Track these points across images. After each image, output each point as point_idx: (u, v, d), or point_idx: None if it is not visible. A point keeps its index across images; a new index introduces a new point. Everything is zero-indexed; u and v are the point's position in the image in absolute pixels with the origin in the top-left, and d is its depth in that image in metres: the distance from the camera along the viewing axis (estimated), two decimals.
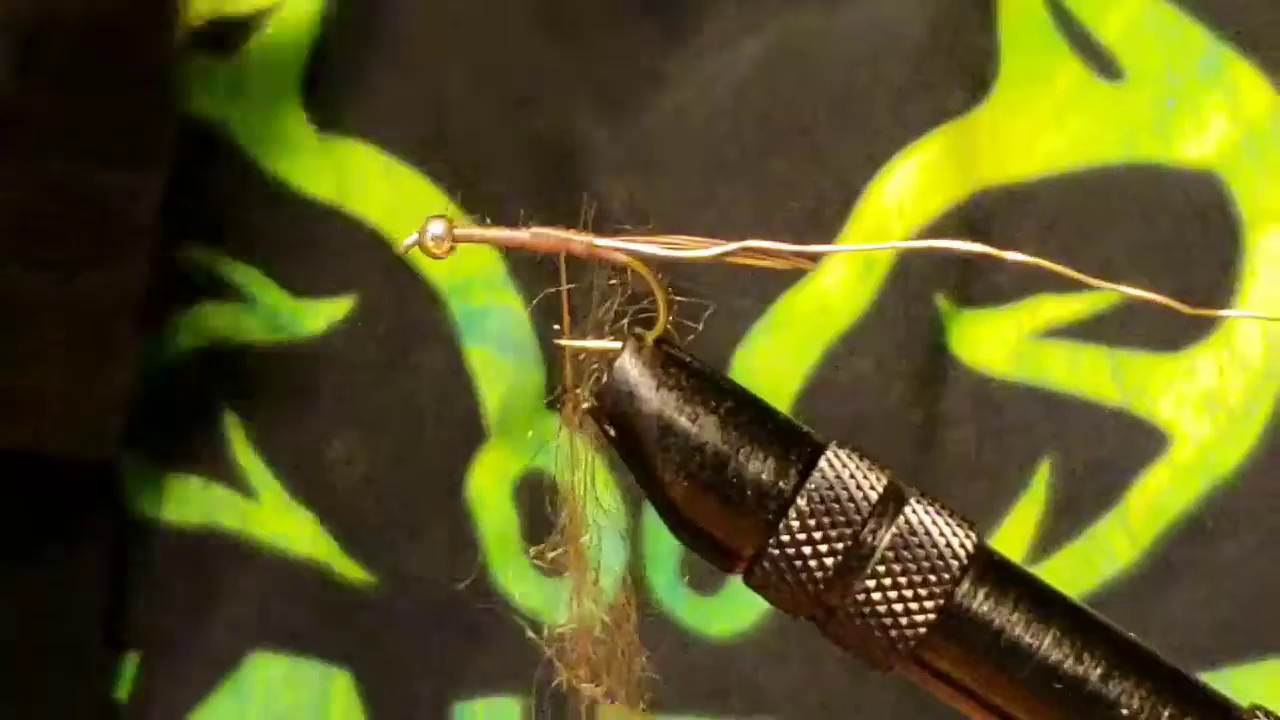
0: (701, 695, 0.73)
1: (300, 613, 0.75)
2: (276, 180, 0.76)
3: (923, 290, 0.74)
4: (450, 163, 0.75)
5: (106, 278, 0.71)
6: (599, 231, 0.41)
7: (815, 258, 0.40)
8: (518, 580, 0.74)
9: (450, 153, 0.75)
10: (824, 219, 0.74)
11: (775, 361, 0.74)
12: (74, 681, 0.74)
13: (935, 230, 0.73)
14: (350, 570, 0.75)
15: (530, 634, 0.44)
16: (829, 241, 0.73)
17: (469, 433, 0.75)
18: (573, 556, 0.42)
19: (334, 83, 0.76)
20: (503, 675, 0.75)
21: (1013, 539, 0.73)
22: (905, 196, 0.74)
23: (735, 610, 0.73)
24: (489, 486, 0.75)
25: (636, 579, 0.74)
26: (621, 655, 0.43)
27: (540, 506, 0.75)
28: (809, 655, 0.72)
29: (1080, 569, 0.73)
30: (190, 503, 0.75)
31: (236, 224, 0.76)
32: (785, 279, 0.73)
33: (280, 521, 0.75)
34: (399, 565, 0.75)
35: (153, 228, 0.72)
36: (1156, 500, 0.73)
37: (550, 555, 0.42)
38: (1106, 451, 0.74)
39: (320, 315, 0.75)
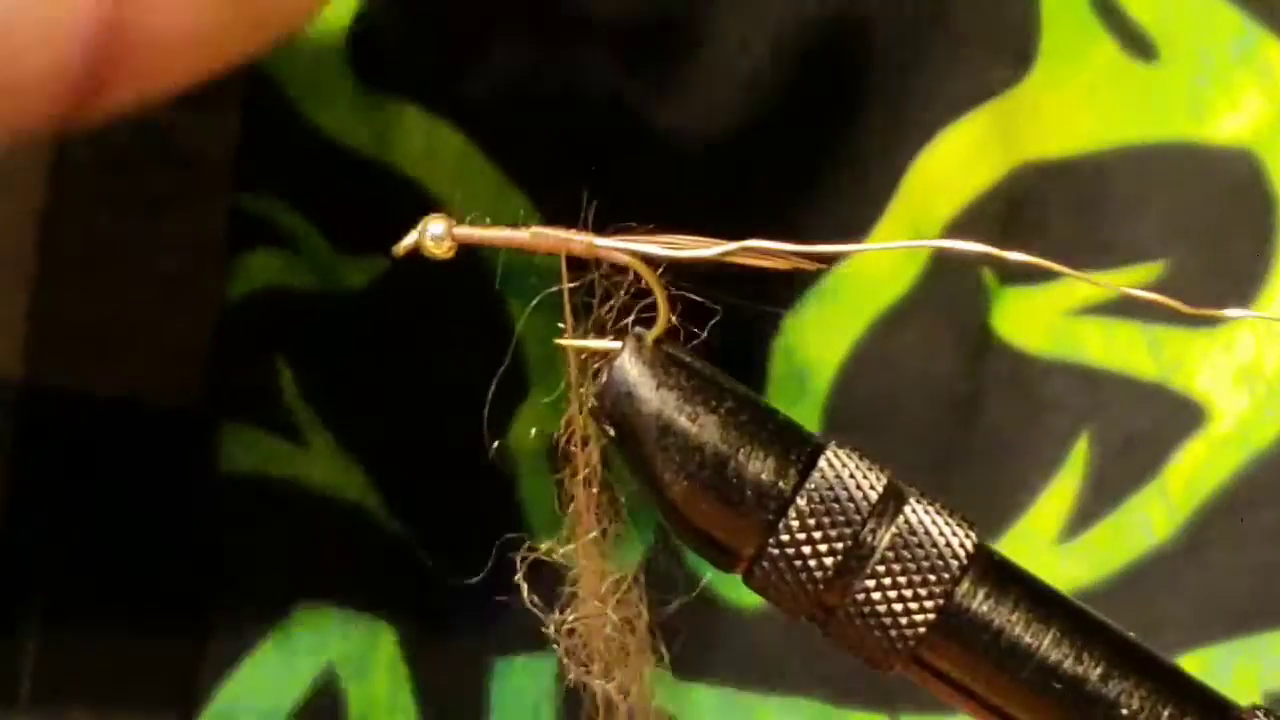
0: (725, 664, 0.74)
1: (349, 565, 0.76)
2: (320, 131, 0.76)
3: (971, 265, 0.73)
4: (490, 122, 0.75)
5: (188, 217, 0.72)
6: (602, 230, 0.41)
7: (817, 259, 0.40)
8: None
9: (493, 113, 0.75)
10: (871, 195, 0.74)
11: (821, 332, 0.74)
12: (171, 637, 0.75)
13: (979, 207, 0.73)
14: (394, 523, 0.75)
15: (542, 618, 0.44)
16: (873, 218, 0.73)
17: (511, 388, 0.75)
18: (581, 552, 0.42)
19: (380, 38, 0.76)
20: (542, 633, 0.75)
21: (1050, 514, 0.73)
22: (950, 173, 0.73)
23: None
24: (530, 441, 0.75)
25: (668, 547, 0.74)
26: (633, 653, 0.43)
27: None
28: None
29: (1117, 543, 0.73)
30: (241, 449, 0.76)
31: (284, 173, 0.76)
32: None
33: (330, 470, 0.76)
34: (442, 519, 0.75)
35: (228, 169, 0.73)
36: (1194, 474, 0.73)
37: (560, 551, 0.43)
38: (1144, 426, 0.74)
39: (363, 270, 0.75)
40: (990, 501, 0.73)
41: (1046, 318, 0.74)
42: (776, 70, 0.74)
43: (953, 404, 0.73)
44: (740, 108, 0.74)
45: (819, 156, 0.74)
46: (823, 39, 0.74)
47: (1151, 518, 0.73)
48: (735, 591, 0.74)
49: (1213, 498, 0.73)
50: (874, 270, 0.74)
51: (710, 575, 0.73)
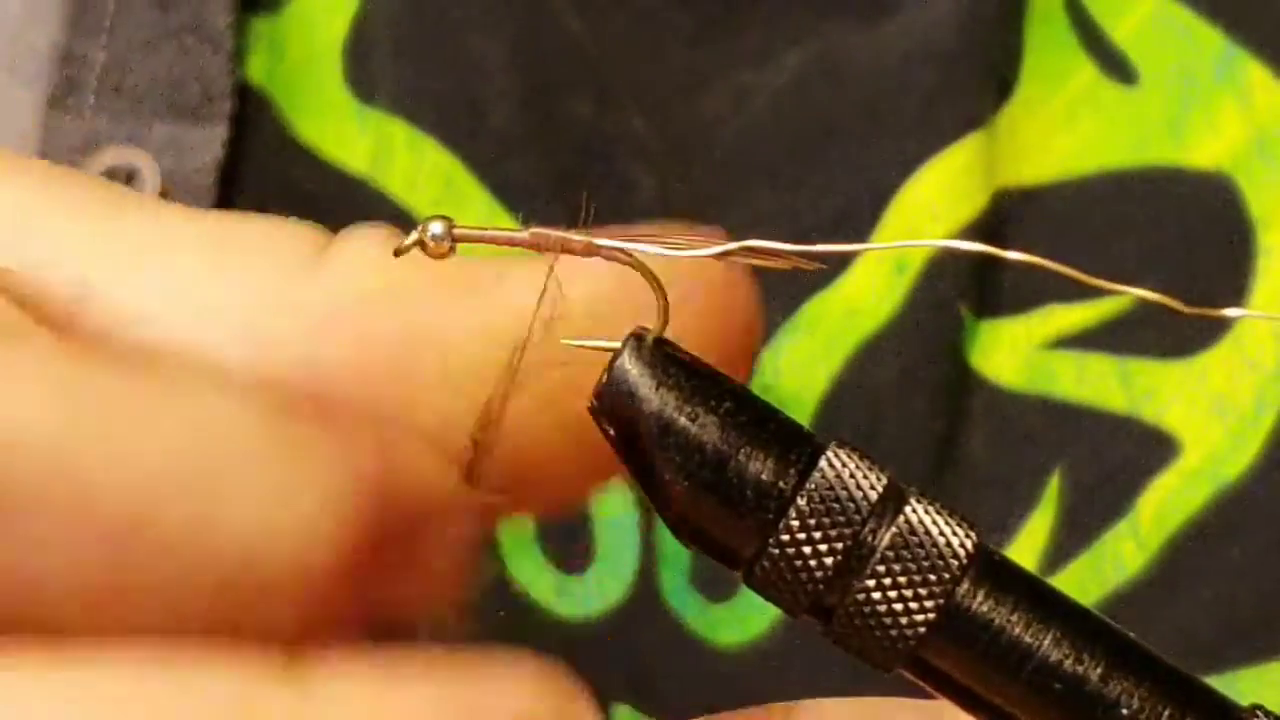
0: (705, 705, 0.73)
1: None
2: (312, 149, 0.75)
3: (950, 298, 0.74)
4: (481, 143, 0.75)
5: None
6: (602, 229, 0.41)
7: (817, 258, 0.40)
8: (533, 575, 0.74)
9: (482, 133, 0.75)
10: (854, 223, 0.74)
11: (798, 367, 0.74)
12: None
13: (963, 236, 0.73)
14: None
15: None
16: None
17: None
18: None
19: (373, 53, 0.75)
20: None
21: (1025, 551, 0.73)
22: (936, 202, 0.74)
23: (745, 619, 0.73)
24: None
25: (649, 578, 0.73)
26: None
27: None
28: (815, 667, 0.72)
29: (1090, 578, 0.73)
30: None
31: (275, 191, 0.75)
32: (813, 280, 0.73)
33: None
34: None
35: (213, 186, 0.72)
36: (1164, 506, 0.73)
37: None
38: (1116, 460, 0.74)
39: None
40: None
41: (1021, 351, 0.74)
42: (765, 110, 0.74)
43: (930, 440, 0.73)
44: (730, 142, 0.74)
45: (803, 190, 0.74)
46: (805, 71, 0.74)
47: (1123, 553, 0.73)
48: (714, 633, 0.73)
49: (1183, 531, 0.73)
50: (851, 304, 0.74)
51: (691, 618, 0.73)
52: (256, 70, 0.75)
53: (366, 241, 0.43)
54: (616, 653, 0.72)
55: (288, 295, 0.42)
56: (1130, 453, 0.74)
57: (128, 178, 0.72)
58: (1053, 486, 0.74)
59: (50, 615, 0.36)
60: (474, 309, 0.41)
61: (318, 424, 0.38)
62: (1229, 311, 0.40)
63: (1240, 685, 0.71)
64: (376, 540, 0.37)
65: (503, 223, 0.74)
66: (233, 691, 0.36)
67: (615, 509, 0.74)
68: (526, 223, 0.40)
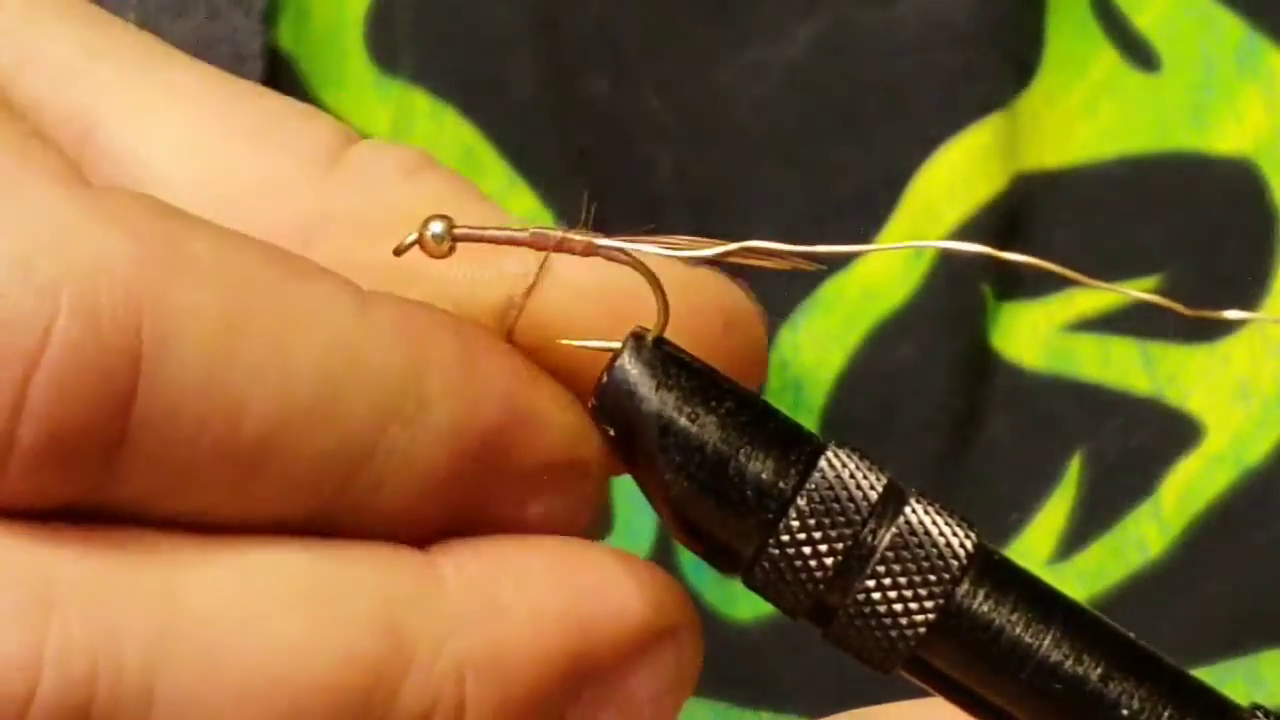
0: (721, 679, 0.73)
1: None
2: (335, 116, 0.75)
3: (970, 279, 0.73)
4: (501, 115, 0.75)
5: None
6: (603, 230, 0.41)
7: (817, 259, 0.40)
8: None
9: (502, 106, 0.75)
10: (871, 204, 0.74)
11: (817, 345, 0.74)
12: None
13: (981, 218, 0.73)
14: None
15: None
16: (874, 228, 0.73)
17: None
18: None
19: (395, 23, 0.75)
20: None
21: (1045, 533, 0.73)
22: (954, 183, 0.73)
23: None
24: None
25: (666, 551, 0.74)
26: None
27: None
28: (830, 643, 0.72)
29: (1111, 560, 0.73)
30: None
31: None
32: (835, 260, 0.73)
33: None
34: None
35: None
36: (1187, 490, 0.73)
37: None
38: (1139, 443, 0.73)
39: None
40: (987, 520, 0.73)
41: (1043, 333, 0.74)
42: (780, 86, 0.74)
43: (950, 420, 0.73)
44: (747, 120, 0.74)
45: (820, 170, 0.74)
46: (819, 46, 0.74)
47: (1145, 535, 0.73)
48: (730, 606, 0.73)
49: (1205, 514, 0.73)
50: (870, 282, 0.73)
51: (708, 590, 0.73)
52: (285, 37, 0.75)
53: (386, 155, 0.44)
54: None
55: (295, 189, 0.43)
56: (1153, 436, 0.73)
57: None
58: (1074, 468, 0.73)
59: (191, 508, 0.38)
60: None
61: (446, 346, 0.40)
62: (1230, 314, 0.39)
63: (1261, 668, 0.71)
64: (482, 451, 0.40)
65: (521, 193, 0.74)
66: (378, 580, 0.39)
67: (632, 481, 0.74)
68: (540, 216, 0.41)
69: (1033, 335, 0.74)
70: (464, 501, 0.41)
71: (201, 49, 0.73)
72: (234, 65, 0.73)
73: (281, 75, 0.75)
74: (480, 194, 0.44)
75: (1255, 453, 0.73)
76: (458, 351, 0.40)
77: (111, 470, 0.37)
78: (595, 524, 0.43)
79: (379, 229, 0.42)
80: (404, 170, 0.43)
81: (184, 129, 0.43)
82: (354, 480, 0.39)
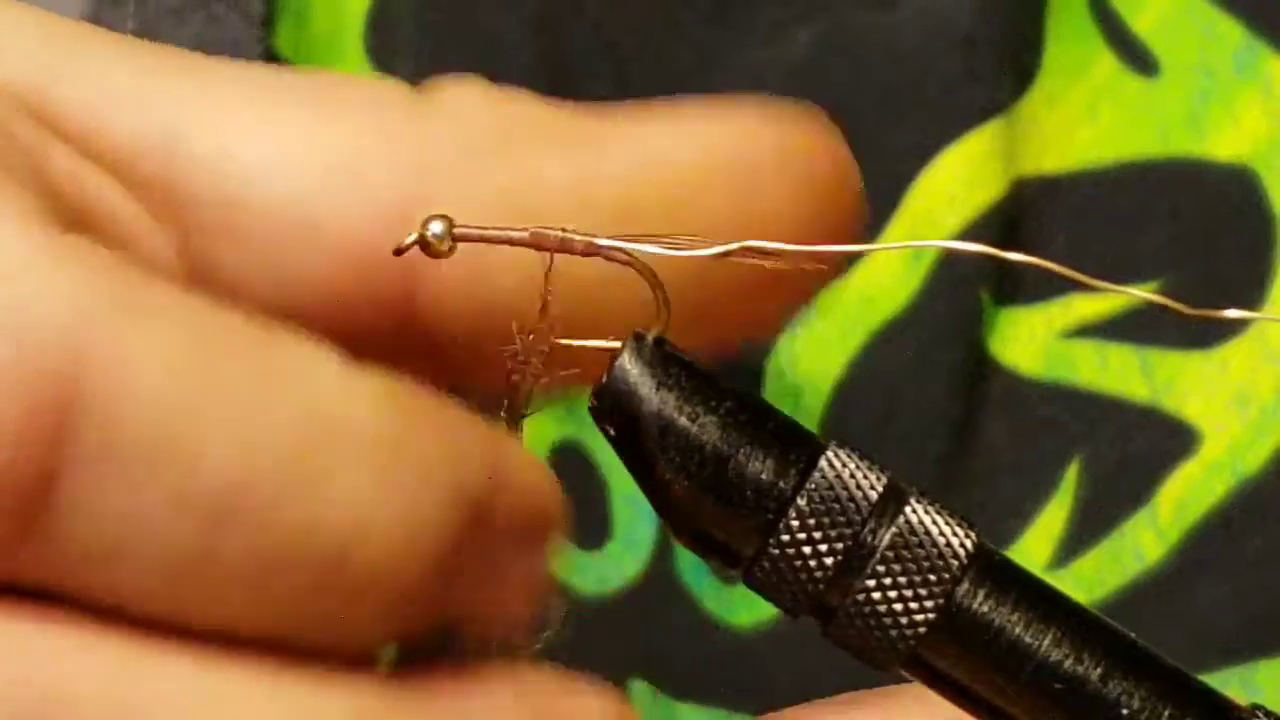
0: (719, 684, 0.73)
1: None
2: None
3: (969, 284, 0.73)
4: None
5: None
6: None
7: (817, 259, 0.40)
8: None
9: None
10: (872, 209, 0.74)
11: (815, 351, 0.74)
12: None
13: (980, 224, 0.73)
14: None
15: None
16: (874, 233, 0.73)
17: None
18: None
19: (395, 26, 0.75)
20: None
21: (1041, 539, 0.73)
22: (954, 189, 0.73)
23: (759, 600, 0.73)
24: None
25: (665, 556, 0.74)
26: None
27: (575, 478, 0.74)
28: (830, 648, 0.72)
29: (1108, 568, 0.73)
30: None
31: None
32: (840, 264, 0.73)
33: None
34: None
35: None
36: (1185, 498, 0.73)
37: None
38: (1136, 450, 0.74)
39: None
40: (984, 527, 0.73)
41: (1041, 339, 0.74)
42: (780, 89, 0.74)
43: (947, 426, 0.73)
44: None
45: None
46: (819, 49, 0.74)
47: (1142, 543, 0.73)
48: (729, 613, 0.73)
49: (1203, 522, 0.73)
50: (868, 288, 0.73)
51: (707, 596, 0.73)
52: (283, 41, 0.75)
53: (462, 90, 0.43)
54: (632, 630, 0.73)
55: (389, 144, 0.41)
56: (1151, 443, 0.73)
57: None
58: (1071, 475, 0.73)
59: (131, 588, 0.34)
60: (574, 165, 0.42)
61: (431, 419, 0.37)
62: (1230, 313, 0.39)
63: (1259, 677, 0.71)
64: (468, 544, 0.37)
65: None
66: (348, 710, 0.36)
67: (632, 486, 0.74)
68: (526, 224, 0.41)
69: (1030, 341, 0.74)
70: (450, 577, 0.37)
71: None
72: None
73: None
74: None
75: (1253, 461, 0.73)
76: (445, 422, 0.37)
77: (39, 525, 0.34)
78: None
79: (488, 154, 0.41)
80: (485, 93, 0.43)
81: (266, 118, 0.42)
82: (335, 567, 0.35)
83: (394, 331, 0.42)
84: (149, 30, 0.74)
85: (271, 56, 0.74)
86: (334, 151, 0.41)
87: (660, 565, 0.73)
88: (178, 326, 0.35)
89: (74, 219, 0.37)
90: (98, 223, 0.39)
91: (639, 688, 0.72)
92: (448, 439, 0.37)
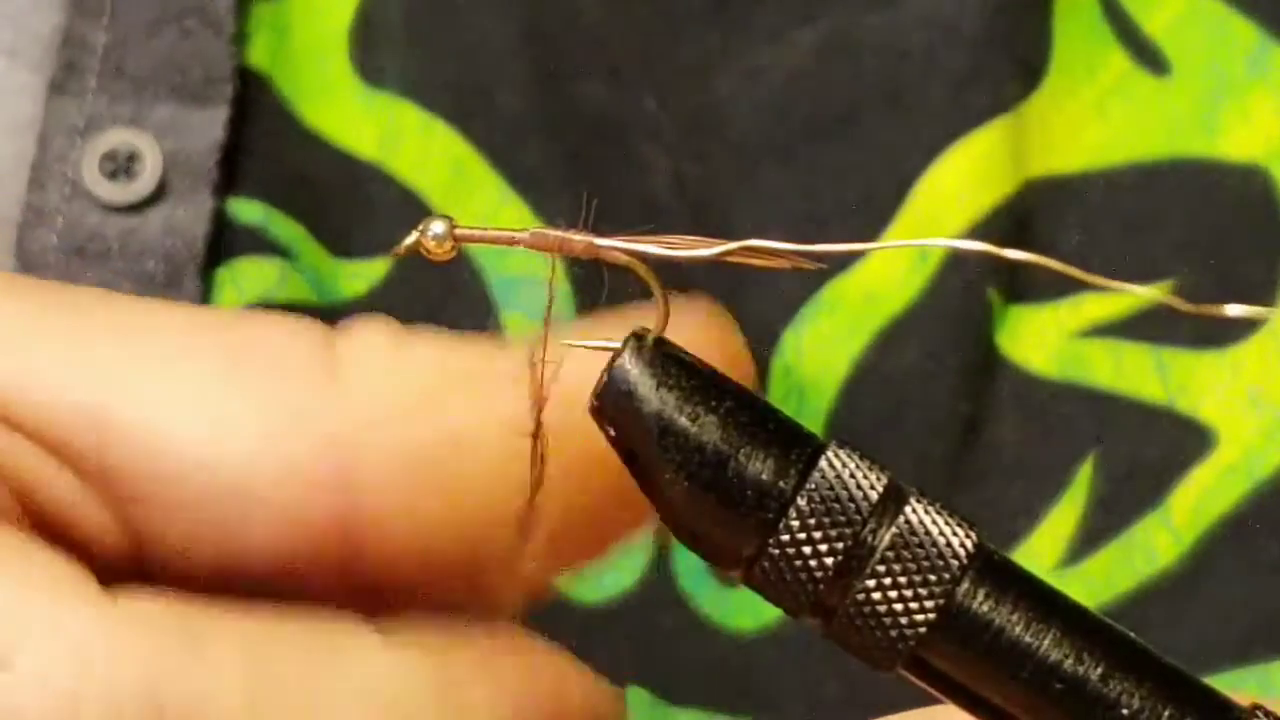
0: (718, 690, 0.73)
1: None
2: (318, 133, 0.75)
3: (977, 281, 0.73)
4: (492, 126, 0.75)
5: (169, 219, 0.72)
6: (603, 230, 0.41)
7: (817, 258, 0.40)
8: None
9: (493, 116, 0.75)
10: (875, 209, 0.73)
11: (821, 349, 0.74)
12: None
13: (987, 223, 0.73)
14: None
15: None
16: (877, 232, 0.73)
17: None
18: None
19: (381, 35, 0.75)
20: None
21: (1053, 538, 0.73)
22: (960, 188, 0.73)
23: (759, 604, 0.73)
24: None
25: (664, 562, 0.73)
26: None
27: None
28: (828, 653, 0.72)
29: (1119, 569, 0.73)
30: None
31: (279, 177, 0.75)
32: (836, 261, 0.73)
33: None
34: None
35: (214, 168, 0.72)
36: (1200, 500, 0.73)
37: None
38: (1151, 450, 0.73)
39: (361, 277, 0.74)
40: (993, 525, 0.73)
41: (1054, 338, 0.73)
42: (783, 90, 0.74)
43: (956, 424, 0.73)
44: (748, 125, 0.74)
45: (823, 175, 0.73)
46: (821, 49, 0.74)
47: (1156, 544, 0.73)
48: (728, 617, 0.73)
49: (1218, 524, 0.73)
50: (874, 285, 0.73)
51: (706, 601, 0.73)
52: (259, 54, 0.75)
53: (374, 339, 0.44)
54: (631, 636, 0.72)
55: (309, 409, 0.43)
56: (1166, 444, 0.73)
57: (129, 158, 0.72)
58: (1084, 474, 0.73)
59: None
60: (498, 403, 0.42)
61: (480, 668, 0.41)
62: (1230, 309, 0.39)
63: (1272, 677, 0.71)
64: None
65: (513, 207, 0.74)
66: None
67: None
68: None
69: (1042, 339, 0.74)
70: None
71: (172, 71, 0.73)
72: (204, 88, 0.73)
73: (256, 95, 0.75)
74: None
75: (1268, 464, 0.72)
76: (496, 670, 0.41)
77: None
78: None
79: (400, 419, 0.42)
80: (391, 343, 0.44)
81: (187, 388, 0.43)
82: None
83: (340, 579, 0.44)
84: (122, 43, 0.73)
85: (245, 72, 0.74)
86: (255, 424, 0.42)
87: (658, 572, 0.73)
88: (235, 650, 0.39)
89: (57, 534, 0.40)
90: (58, 511, 0.42)
91: (637, 695, 0.72)
92: (499, 683, 0.41)
